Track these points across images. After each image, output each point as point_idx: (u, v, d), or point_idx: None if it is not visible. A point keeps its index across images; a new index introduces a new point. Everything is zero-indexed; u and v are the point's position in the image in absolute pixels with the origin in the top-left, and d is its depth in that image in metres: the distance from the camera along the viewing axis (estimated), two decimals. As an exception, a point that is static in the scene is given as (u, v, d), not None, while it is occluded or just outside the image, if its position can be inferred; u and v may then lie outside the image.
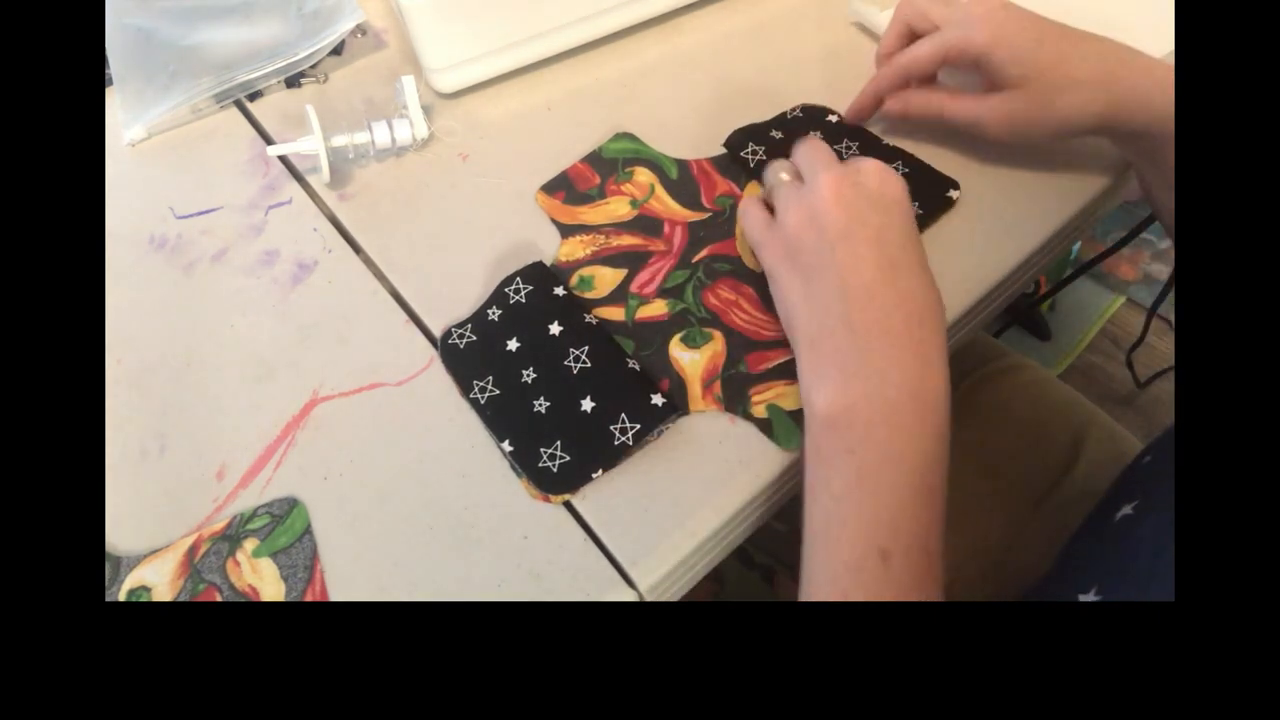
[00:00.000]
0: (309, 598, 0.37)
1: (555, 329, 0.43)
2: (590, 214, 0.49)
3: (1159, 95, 0.41)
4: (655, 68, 0.57)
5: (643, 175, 0.51)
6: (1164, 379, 1.25)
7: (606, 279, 0.46)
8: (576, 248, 0.47)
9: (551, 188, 0.51)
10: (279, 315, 0.47)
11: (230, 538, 0.39)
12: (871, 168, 0.39)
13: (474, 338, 0.44)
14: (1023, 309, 1.32)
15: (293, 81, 0.58)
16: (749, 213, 0.43)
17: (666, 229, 0.48)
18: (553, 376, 0.41)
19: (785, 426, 0.40)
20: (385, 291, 0.47)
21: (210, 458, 0.42)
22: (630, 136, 0.53)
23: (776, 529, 0.47)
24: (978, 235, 0.46)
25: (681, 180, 0.50)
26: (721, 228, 0.47)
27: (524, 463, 0.39)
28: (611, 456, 0.39)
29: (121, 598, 0.38)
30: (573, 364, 0.42)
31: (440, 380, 0.43)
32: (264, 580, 0.38)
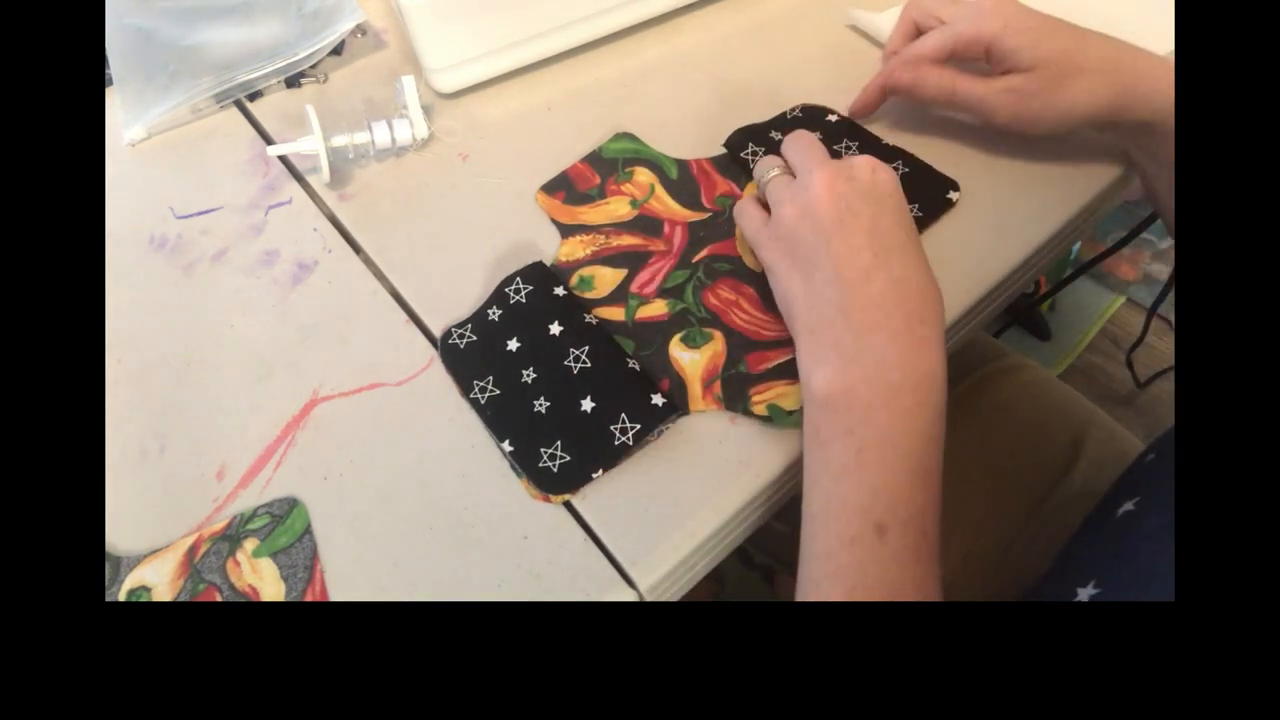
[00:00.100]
0: (309, 598, 0.37)
1: (555, 329, 0.43)
2: (590, 214, 0.49)
3: (1164, 90, 0.42)
4: (655, 68, 0.57)
5: (643, 175, 0.51)
6: (1164, 379, 1.25)
7: (606, 279, 0.46)
8: (576, 248, 0.47)
9: (551, 188, 0.51)
10: (279, 315, 0.47)
11: (230, 538, 0.39)
12: (862, 162, 0.40)
13: (474, 338, 0.44)
14: (1023, 309, 1.32)
15: (293, 81, 0.58)
16: (745, 212, 0.43)
17: (666, 229, 0.48)
18: (553, 376, 0.41)
19: (786, 424, 0.40)
20: (385, 291, 0.47)
21: (210, 458, 0.42)
22: (630, 136, 0.53)
23: (776, 529, 0.47)
24: (978, 235, 0.46)
25: (681, 180, 0.50)
26: (721, 228, 0.47)
27: (524, 463, 0.39)
28: (611, 456, 0.39)
29: (121, 598, 0.38)
30: (573, 364, 0.42)
31: (440, 380, 0.43)
32: (264, 580, 0.38)
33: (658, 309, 0.44)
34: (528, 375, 0.42)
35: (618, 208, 0.49)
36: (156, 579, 0.38)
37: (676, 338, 0.43)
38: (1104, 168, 0.49)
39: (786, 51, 0.57)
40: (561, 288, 0.45)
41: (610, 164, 0.51)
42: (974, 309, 0.44)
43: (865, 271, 0.37)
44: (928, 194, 0.47)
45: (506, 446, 0.40)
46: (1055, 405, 0.67)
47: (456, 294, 0.46)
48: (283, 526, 0.39)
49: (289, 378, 0.44)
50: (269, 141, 0.56)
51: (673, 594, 0.39)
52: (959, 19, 0.46)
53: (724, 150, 0.51)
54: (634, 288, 0.45)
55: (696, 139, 0.52)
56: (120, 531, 0.40)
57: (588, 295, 0.45)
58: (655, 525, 0.38)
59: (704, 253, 0.47)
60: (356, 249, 0.50)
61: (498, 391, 0.41)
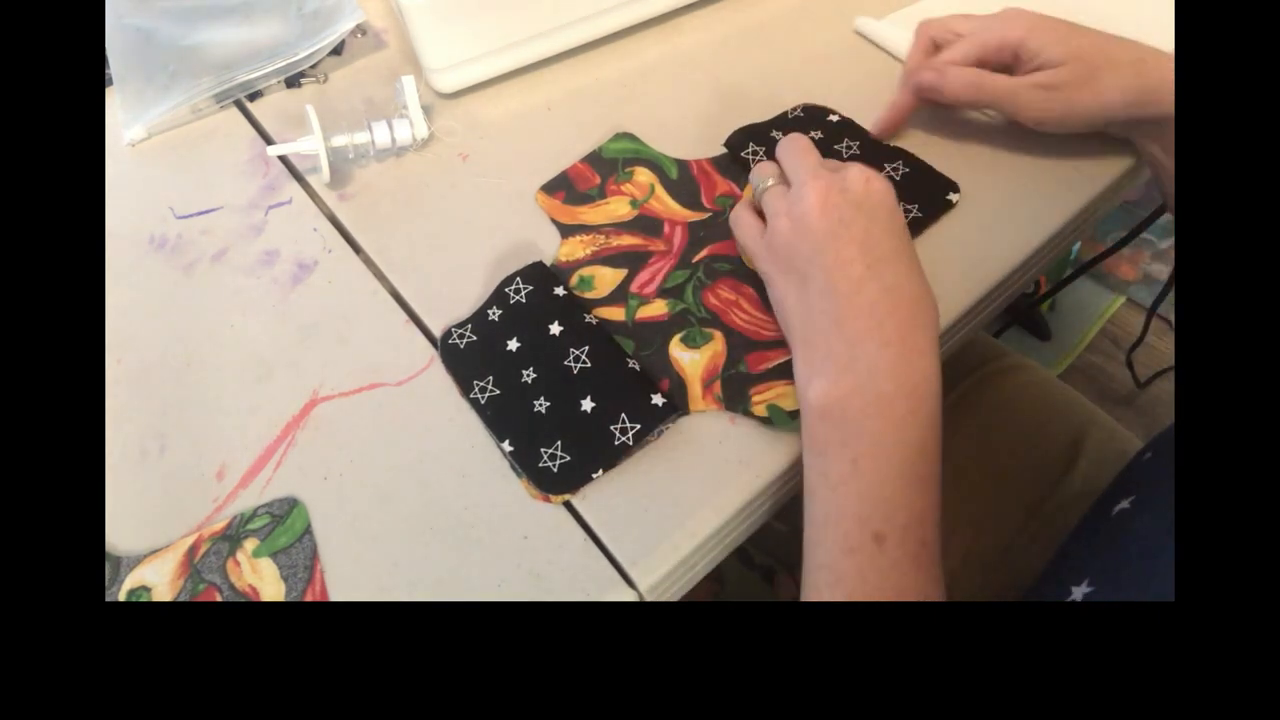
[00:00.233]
0: (309, 598, 0.37)
1: (555, 329, 0.43)
2: (590, 214, 0.49)
3: None
4: (655, 68, 0.57)
5: (643, 175, 0.51)
6: (1164, 379, 1.25)
7: (606, 279, 0.46)
8: (576, 248, 0.47)
9: (551, 188, 0.51)
10: (279, 315, 0.47)
11: (230, 538, 0.39)
12: (855, 172, 0.40)
13: (474, 338, 0.44)
14: (1023, 309, 1.32)
15: (293, 81, 0.58)
16: (741, 220, 0.44)
17: (666, 229, 0.48)
18: (553, 376, 0.41)
19: (785, 426, 0.40)
20: (385, 291, 0.47)
21: (210, 458, 0.42)
22: (630, 136, 0.53)
23: (776, 529, 0.47)
24: (978, 235, 0.46)
25: (681, 180, 0.50)
26: (721, 228, 0.47)
27: (524, 463, 0.39)
28: (611, 456, 0.39)
29: (121, 598, 0.38)
30: (573, 364, 0.42)
31: (440, 380, 0.43)
32: (264, 580, 0.38)
33: (658, 309, 0.44)
34: (528, 375, 0.42)
35: (618, 208, 0.49)
36: (156, 579, 0.38)
37: (676, 338, 0.43)
38: (1104, 168, 0.49)
39: (786, 51, 0.57)
40: (561, 288, 0.45)
41: (610, 164, 0.51)
42: (974, 309, 0.44)
43: (857, 282, 0.37)
44: (928, 194, 0.47)
45: (506, 446, 0.40)
46: (1055, 405, 0.67)
47: (456, 294, 0.46)
48: (283, 526, 0.39)
49: (289, 378, 0.44)
50: (269, 141, 0.56)
51: (673, 594, 0.39)
52: (980, 28, 0.47)
53: (724, 150, 0.51)
54: (634, 288, 0.45)
55: (696, 139, 0.52)
56: (120, 531, 0.40)
57: (588, 295, 0.45)
58: (655, 525, 0.38)
59: (704, 253, 0.47)
60: (356, 249, 0.50)
61: (498, 391, 0.41)
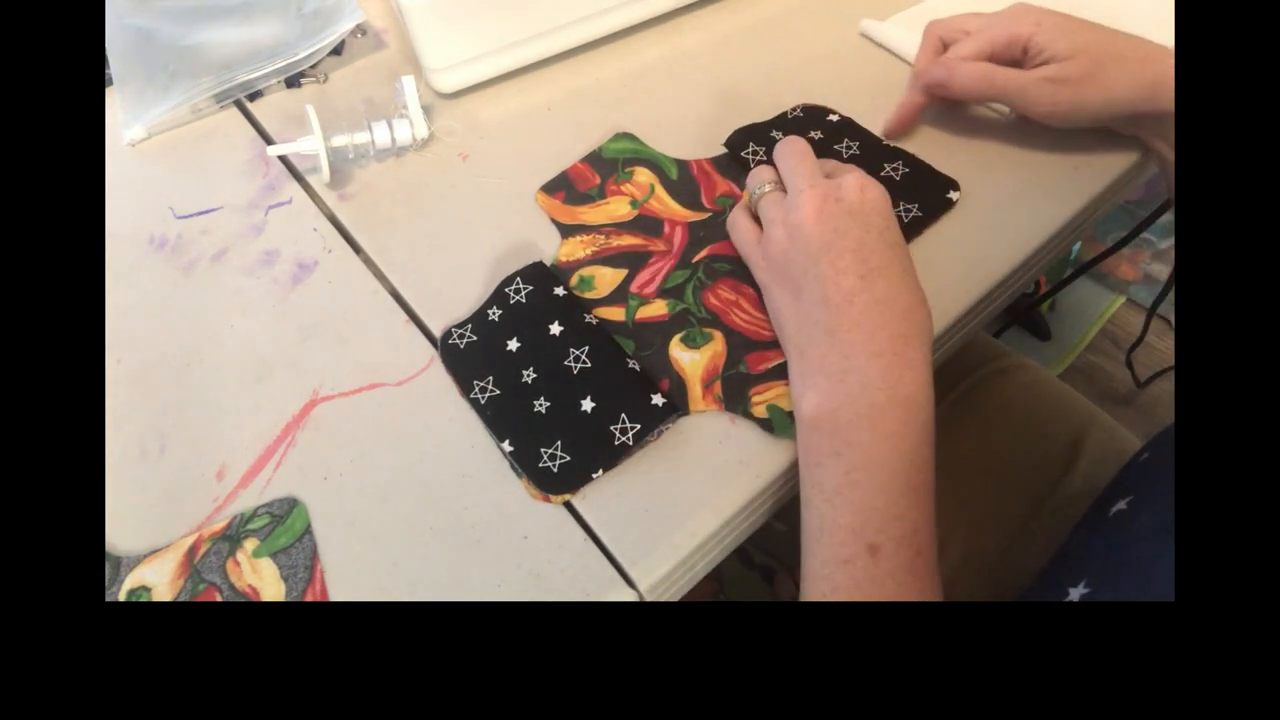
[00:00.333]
0: (309, 598, 0.37)
1: (555, 329, 0.43)
2: (590, 214, 0.49)
3: None
4: (655, 68, 0.57)
5: (643, 175, 0.51)
6: (1164, 379, 1.25)
7: (606, 279, 0.46)
8: (576, 248, 0.47)
9: (551, 188, 0.50)
10: (279, 315, 0.47)
11: (230, 538, 0.39)
12: (850, 180, 0.40)
13: (474, 338, 0.44)
14: (1023, 309, 1.32)
15: (293, 81, 0.58)
16: (738, 226, 0.44)
17: (666, 229, 0.48)
18: (553, 376, 0.41)
19: (785, 427, 0.40)
20: (385, 291, 0.47)
21: (210, 458, 0.42)
22: (630, 136, 0.53)
23: (776, 529, 0.47)
24: (978, 235, 0.46)
25: (681, 180, 0.50)
26: (721, 228, 0.47)
27: (524, 463, 0.39)
28: (611, 456, 0.39)
29: (121, 598, 0.38)
30: (573, 364, 0.42)
31: (440, 380, 0.43)
32: (264, 580, 0.38)
33: (658, 309, 0.44)
34: (528, 375, 0.42)
35: (618, 208, 0.49)
36: (156, 579, 0.38)
37: (676, 338, 0.43)
38: (1105, 167, 0.49)
39: (786, 51, 0.57)
40: (561, 288, 0.45)
41: (610, 164, 0.51)
42: (974, 309, 0.44)
43: (850, 293, 0.37)
44: (928, 194, 0.47)
45: (506, 446, 0.40)
46: (1055, 405, 0.67)
47: (456, 294, 0.46)
48: (283, 526, 0.39)
49: (289, 378, 0.44)
50: (269, 141, 0.56)
51: (673, 594, 0.39)
52: (988, 24, 0.47)
53: (724, 150, 0.51)
54: (634, 288, 0.45)
55: (696, 139, 0.52)
56: (120, 531, 0.40)
57: (588, 295, 0.45)
58: (655, 525, 0.38)
59: (704, 253, 0.47)
60: (356, 249, 0.50)
61: (498, 391, 0.41)
